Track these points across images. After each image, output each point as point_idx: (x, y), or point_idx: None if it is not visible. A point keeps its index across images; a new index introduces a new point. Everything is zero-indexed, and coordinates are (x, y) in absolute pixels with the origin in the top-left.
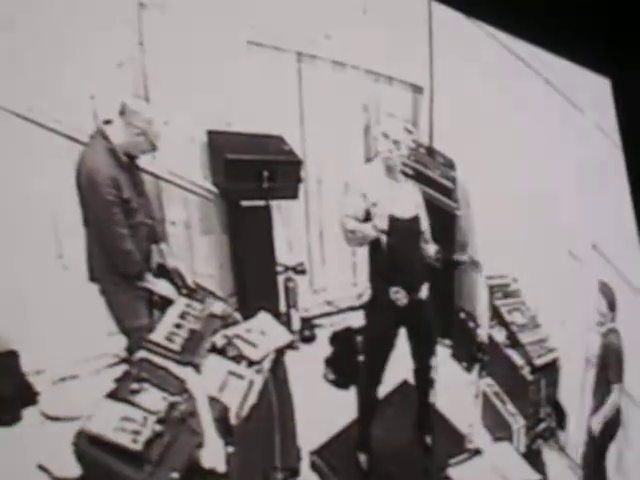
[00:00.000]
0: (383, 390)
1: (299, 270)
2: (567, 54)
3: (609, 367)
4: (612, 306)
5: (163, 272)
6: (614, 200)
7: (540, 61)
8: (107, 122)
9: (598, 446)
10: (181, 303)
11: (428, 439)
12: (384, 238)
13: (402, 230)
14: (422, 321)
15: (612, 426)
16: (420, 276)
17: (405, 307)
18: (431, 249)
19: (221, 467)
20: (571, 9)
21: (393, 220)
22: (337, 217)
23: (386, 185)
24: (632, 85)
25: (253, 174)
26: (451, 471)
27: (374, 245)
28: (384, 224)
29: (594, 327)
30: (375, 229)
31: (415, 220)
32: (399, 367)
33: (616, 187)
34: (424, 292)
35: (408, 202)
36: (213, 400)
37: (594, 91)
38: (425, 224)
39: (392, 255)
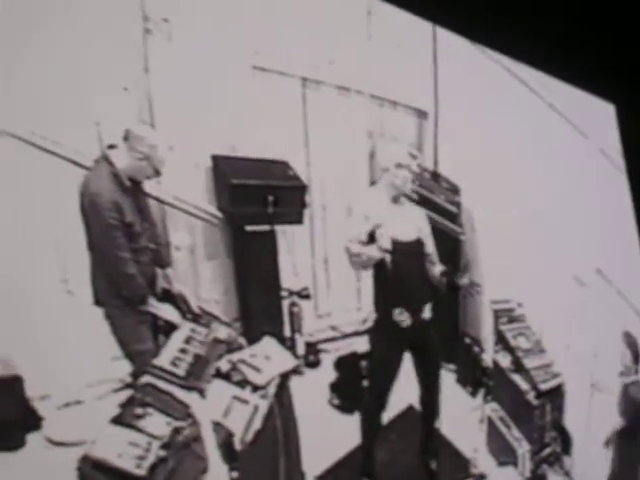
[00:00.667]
0: (388, 415)
1: (304, 295)
2: (571, 79)
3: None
4: (636, 358)
5: (168, 297)
6: (618, 225)
7: (544, 86)
8: (111, 147)
9: None
10: (186, 328)
11: (433, 464)
12: (388, 258)
13: (404, 253)
14: (427, 342)
15: None
16: (423, 297)
17: (409, 328)
18: (436, 270)
19: None
20: (576, 34)
21: (395, 243)
22: (342, 242)
23: (389, 209)
24: (636, 110)
25: (258, 199)
26: None
27: (378, 268)
28: (388, 245)
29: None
30: (380, 250)
31: (417, 243)
32: (404, 392)
33: (620, 212)
34: (427, 312)
35: (410, 225)
36: (217, 425)
37: (598, 116)
38: (431, 247)
39: (395, 277)
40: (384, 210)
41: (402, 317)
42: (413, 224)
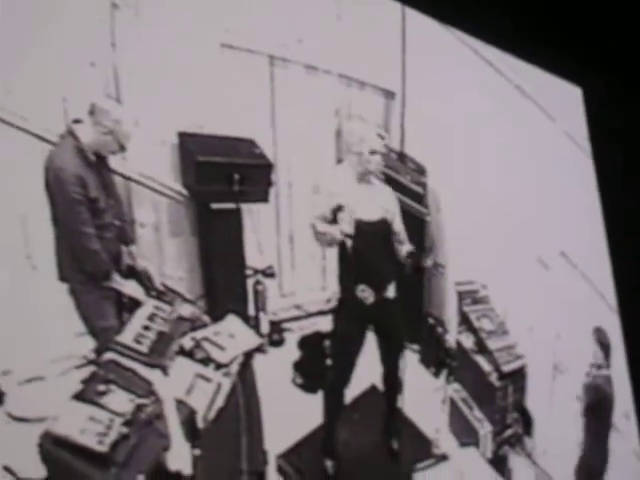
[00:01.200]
0: (350, 395)
1: (268, 273)
2: (539, 62)
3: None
4: (607, 352)
5: (132, 274)
6: (583, 208)
7: (512, 68)
8: (77, 121)
9: None
10: (150, 305)
11: (395, 444)
12: (349, 242)
13: (368, 233)
14: (390, 320)
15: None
16: (387, 275)
17: (372, 306)
18: (404, 250)
19: (187, 470)
20: (543, 18)
21: (359, 223)
22: (307, 221)
23: (355, 188)
24: (603, 94)
25: (224, 177)
26: (417, 476)
27: (343, 246)
28: (350, 227)
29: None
30: (341, 233)
31: (382, 222)
32: (367, 372)
33: (585, 195)
34: (391, 291)
35: (375, 205)
36: (180, 403)
37: (565, 99)
38: (399, 226)
39: (358, 256)
40: (350, 189)
41: (365, 294)
42: (379, 204)
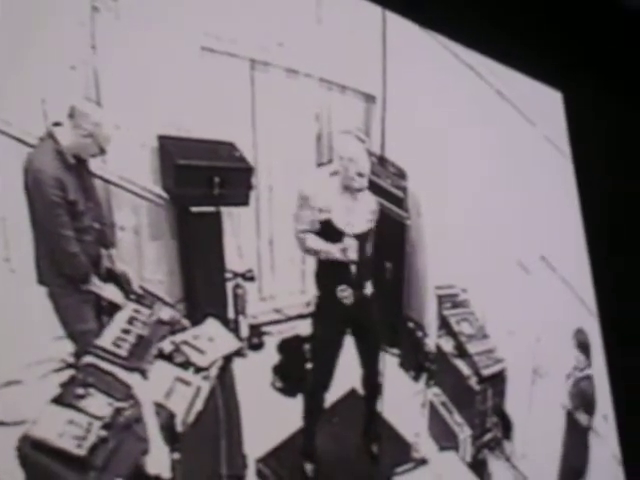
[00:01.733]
0: (330, 399)
1: (248, 277)
2: (519, 66)
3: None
4: (588, 353)
5: (112, 277)
6: (564, 212)
7: (492, 73)
8: (57, 124)
9: None
10: (129, 308)
11: (375, 448)
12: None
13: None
14: (368, 320)
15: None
16: (365, 274)
17: (352, 306)
18: None
19: (166, 474)
20: (523, 22)
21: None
22: (287, 225)
23: (341, 200)
24: (583, 98)
25: (204, 180)
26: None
27: None
28: (355, 254)
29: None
30: (343, 253)
31: (366, 233)
32: (346, 376)
33: (565, 199)
34: (369, 289)
35: (362, 218)
36: (159, 406)
37: (545, 104)
38: None
39: (340, 262)
40: (336, 202)
41: (345, 294)
42: (364, 216)
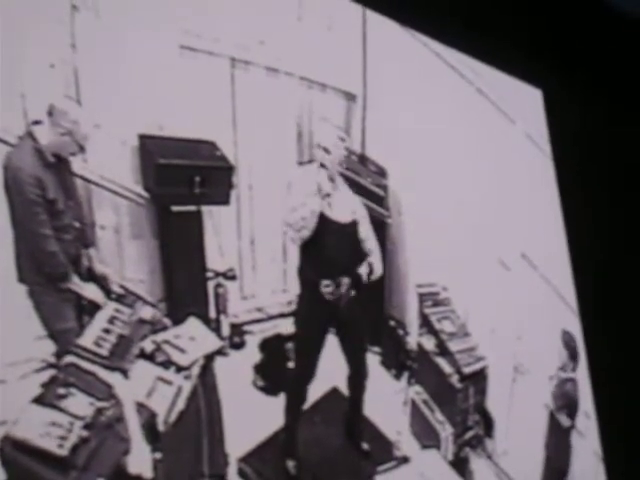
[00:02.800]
0: (312, 398)
1: (229, 276)
2: (499, 64)
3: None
4: (574, 356)
5: (93, 276)
6: (544, 210)
7: (472, 70)
8: (36, 122)
9: None
10: (110, 308)
11: (365, 445)
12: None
13: (336, 232)
14: (351, 316)
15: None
16: (346, 270)
17: (334, 302)
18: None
19: (148, 473)
20: (503, 21)
21: (328, 221)
22: (269, 223)
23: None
24: (563, 96)
25: (184, 179)
26: (378, 478)
27: (308, 242)
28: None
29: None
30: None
31: (352, 225)
32: (328, 375)
33: (546, 197)
34: (349, 285)
35: (346, 208)
36: (141, 406)
37: (525, 102)
38: (365, 233)
39: (324, 253)
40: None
41: (329, 289)
42: (349, 207)
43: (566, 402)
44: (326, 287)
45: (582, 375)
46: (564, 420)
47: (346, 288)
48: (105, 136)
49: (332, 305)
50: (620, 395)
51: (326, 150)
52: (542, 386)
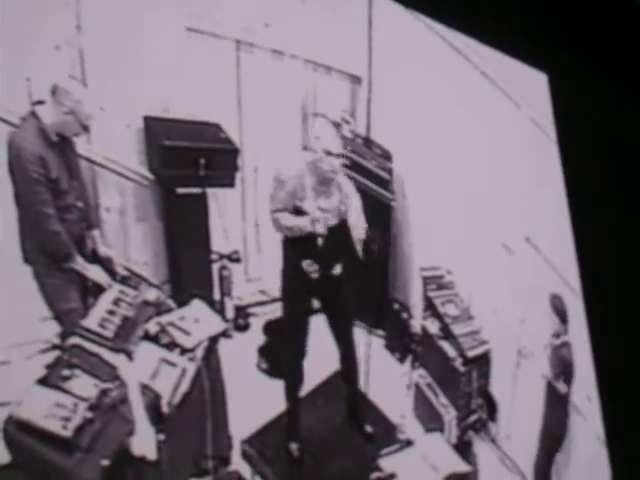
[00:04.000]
0: (314, 382)
1: (234, 258)
2: (504, 48)
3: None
4: (564, 319)
5: (97, 258)
6: (548, 194)
7: (477, 54)
8: (39, 102)
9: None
10: (115, 289)
11: (368, 428)
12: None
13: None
14: (336, 293)
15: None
16: (335, 257)
17: (318, 280)
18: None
19: (152, 455)
20: (509, 4)
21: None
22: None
23: (316, 185)
24: (568, 80)
25: (189, 161)
26: (382, 461)
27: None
28: (323, 229)
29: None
30: (312, 224)
31: (340, 224)
32: (329, 359)
33: (550, 182)
34: (338, 269)
35: (332, 207)
36: (145, 387)
37: (530, 85)
38: (354, 219)
39: (309, 243)
40: (309, 189)
41: (311, 269)
42: (334, 205)
43: (562, 368)
44: (309, 266)
45: (584, 358)
46: (561, 387)
47: (331, 270)
48: (110, 118)
49: (315, 281)
50: (623, 379)
51: (317, 138)
52: (545, 370)
